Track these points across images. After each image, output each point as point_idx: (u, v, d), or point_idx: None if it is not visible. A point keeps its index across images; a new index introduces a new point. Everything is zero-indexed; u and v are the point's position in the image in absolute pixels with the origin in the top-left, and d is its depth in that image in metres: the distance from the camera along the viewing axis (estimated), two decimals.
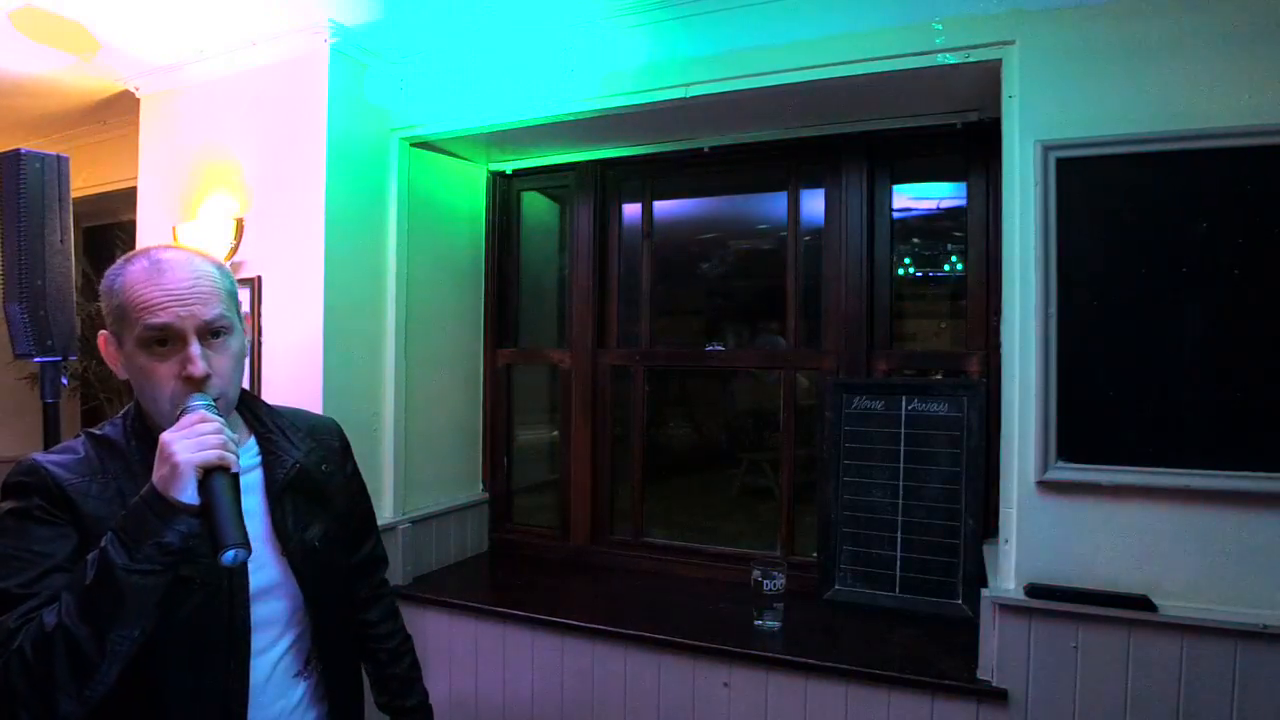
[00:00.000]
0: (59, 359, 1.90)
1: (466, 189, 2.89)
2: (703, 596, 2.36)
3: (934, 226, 2.49)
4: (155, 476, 0.90)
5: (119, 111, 2.99)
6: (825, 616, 2.19)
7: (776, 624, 2.07)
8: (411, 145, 2.59)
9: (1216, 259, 1.59)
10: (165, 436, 0.92)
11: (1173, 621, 1.57)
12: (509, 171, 2.92)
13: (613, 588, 2.51)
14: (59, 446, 1.07)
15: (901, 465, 2.24)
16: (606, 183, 2.80)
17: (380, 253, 2.54)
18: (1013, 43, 1.76)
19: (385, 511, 2.49)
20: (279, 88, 2.45)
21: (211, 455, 0.90)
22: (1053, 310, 1.70)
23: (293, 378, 2.39)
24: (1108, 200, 1.67)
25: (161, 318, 0.97)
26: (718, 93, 2.09)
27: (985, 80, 1.86)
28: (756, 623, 2.08)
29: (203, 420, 0.93)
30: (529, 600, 2.33)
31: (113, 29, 2.36)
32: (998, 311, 2.00)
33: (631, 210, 2.80)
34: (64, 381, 1.94)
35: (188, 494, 0.89)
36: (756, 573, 2.09)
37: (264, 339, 2.44)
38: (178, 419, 0.95)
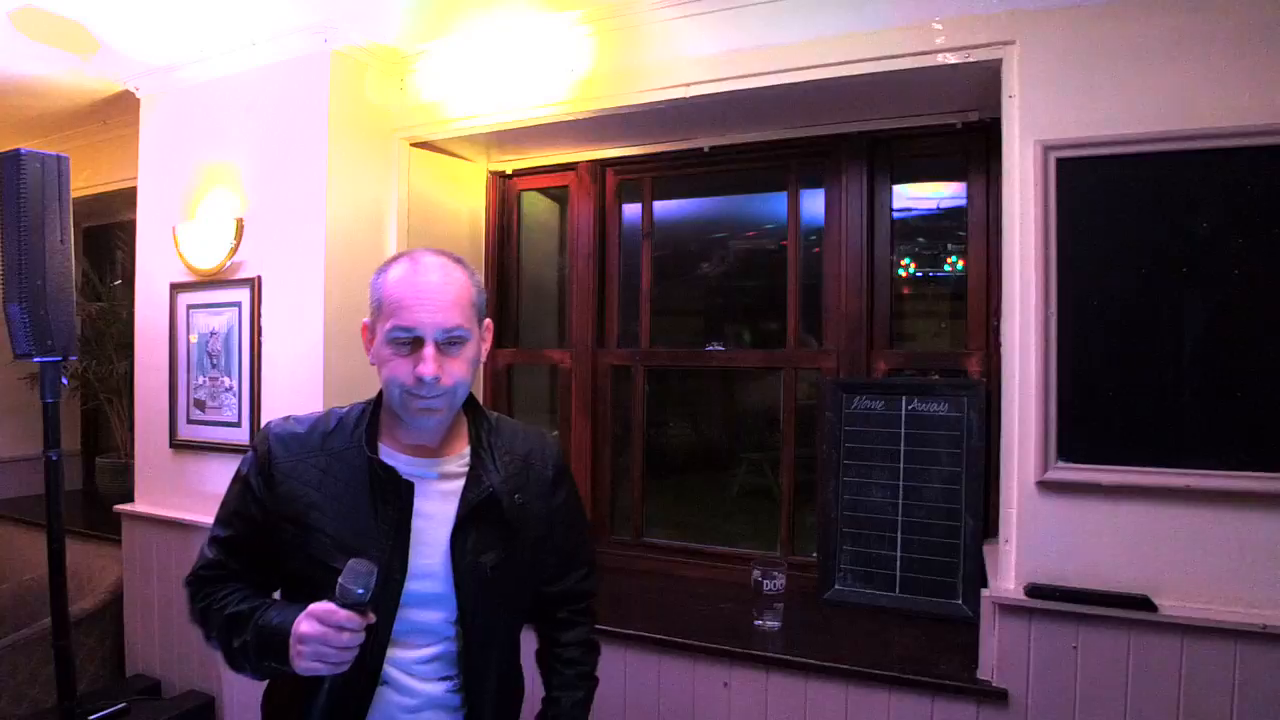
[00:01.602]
0: (59, 359, 1.90)
1: (466, 189, 2.89)
2: (703, 596, 2.36)
3: (934, 226, 2.49)
4: (289, 642, 1.01)
5: (119, 111, 2.99)
6: (825, 616, 2.19)
7: (776, 624, 2.07)
8: (411, 145, 2.59)
9: (1216, 259, 1.59)
10: (302, 629, 1.00)
11: (1173, 621, 1.57)
12: (509, 171, 2.92)
13: (613, 588, 2.51)
14: (306, 416, 1.21)
15: (901, 465, 2.24)
16: (606, 183, 2.80)
17: (380, 253, 2.54)
18: (1013, 43, 1.76)
19: None
20: (279, 88, 2.45)
21: (329, 671, 1.00)
22: (1053, 310, 1.70)
23: (293, 378, 2.39)
24: (1108, 200, 1.67)
25: (407, 320, 1.07)
26: (718, 93, 2.09)
27: (985, 80, 1.86)
28: (756, 623, 2.08)
29: (340, 630, 0.98)
30: None
31: (112, 29, 2.36)
32: (998, 311, 2.00)
33: (631, 210, 2.80)
34: (64, 381, 1.94)
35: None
36: (756, 573, 2.09)
37: (264, 339, 2.45)
38: (336, 590, 1.00)
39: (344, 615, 0.98)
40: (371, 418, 1.18)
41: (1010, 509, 1.75)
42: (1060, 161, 1.70)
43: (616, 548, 2.73)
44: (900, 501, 2.23)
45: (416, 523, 1.13)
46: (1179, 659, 1.57)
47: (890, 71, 1.90)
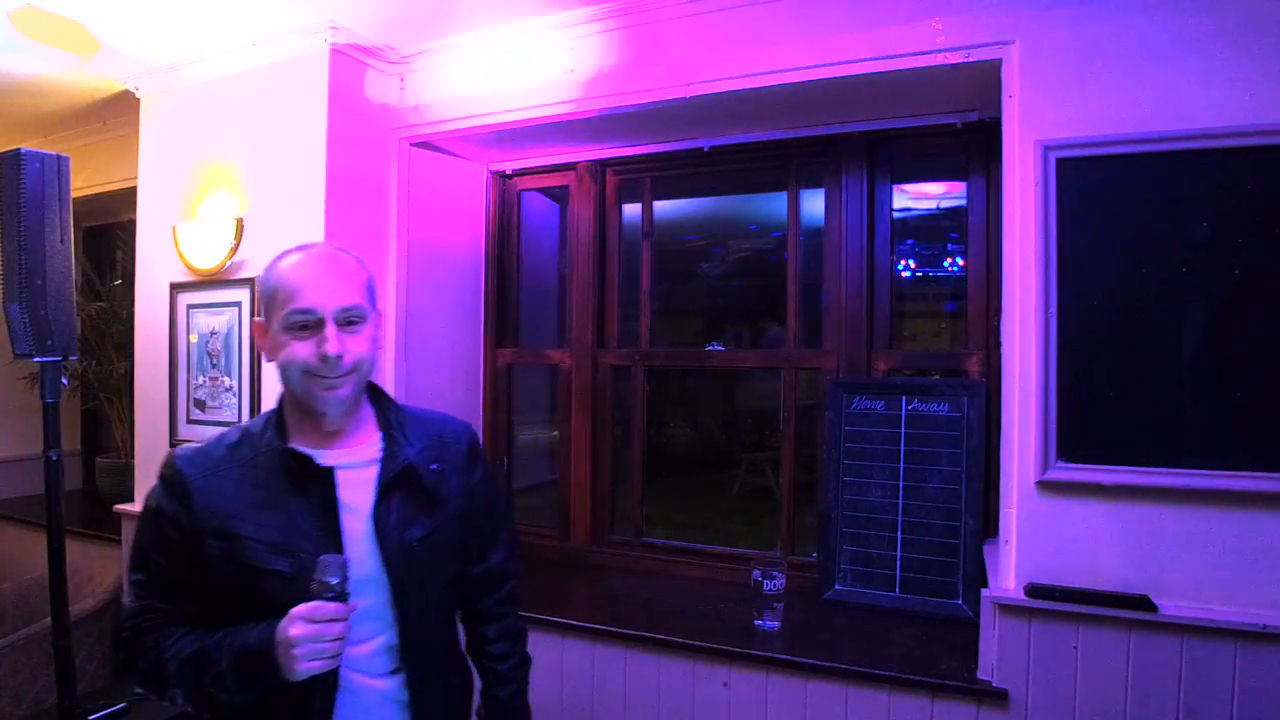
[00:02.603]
0: (59, 359, 1.90)
1: (466, 189, 2.89)
2: (703, 596, 2.36)
3: (934, 226, 2.49)
4: (277, 650, 1.01)
5: (119, 111, 2.99)
6: (825, 616, 2.19)
7: (776, 624, 2.07)
8: (411, 145, 2.59)
9: (1216, 259, 1.59)
10: (293, 632, 1.00)
11: (1173, 621, 1.57)
12: (509, 171, 2.92)
13: (613, 588, 2.51)
14: (216, 436, 1.19)
15: (901, 465, 2.24)
16: (606, 183, 2.80)
17: (380, 253, 2.54)
18: (1013, 42, 1.76)
19: None
20: (279, 88, 2.45)
21: (327, 665, 1.03)
22: (1053, 310, 1.70)
23: None
24: (1108, 200, 1.67)
25: (305, 301, 1.09)
26: (718, 93, 2.09)
27: (985, 80, 1.86)
28: (756, 623, 2.08)
29: (331, 623, 1.01)
30: (529, 600, 2.31)
31: (113, 29, 2.36)
32: (998, 311, 2.00)
33: (631, 210, 2.80)
34: (64, 381, 1.94)
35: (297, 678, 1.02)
36: (756, 573, 2.09)
37: None
38: (313, 587, 1.02)
39: (332, 608, 1.01)
40: (278, 419, 1.18)
41: (1010, 509, 1.75)
42: (1060, 161, 1.70)
43: (616, 548, 2.73)
44: (900, 501, 2.23)
45: (341, 512, 1.13)
46: (1179, 659, 1.57)
47: (890, 71, 1.90)
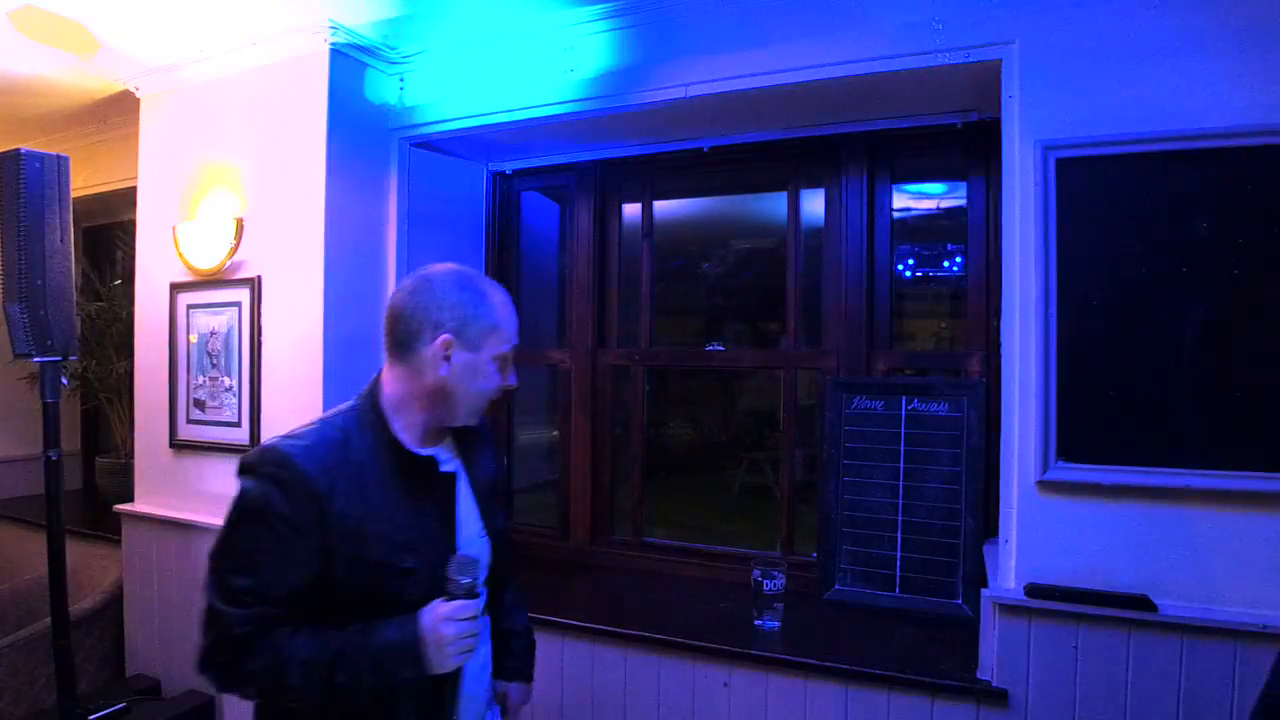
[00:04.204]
0: (59, 359, 1.90)
1: (466, 189, 2.89)
2: (703, 596, 2.36)
3: (934, 226, 2.49)
4: (425, 649, 1.10)
5: (119, 111, 2.99)
6: (825, 616, 2.19)
7: (776, 624, 2.07)
8: (411, 145, 2.59)
9: (1216, 259, 1.59)
10: (445, 631, 1.10)
11: (1173, 621, 1.57)
12: (509, 171, 2.92)
13: (613, 588, 2.51)
14: (303, 434, 1.17)
15: (901, 465, 2.24)
16: (606, 183, 2.80)
17: (380, 253, 2.54)
18: (1013, 42, 1.76)
19: None
20: (279, 88, 2.45)
21: (470, 656, 1.16)
22: (1053, 310, 1.70)
23: (292, 377, 2.39)
24: (1108, 200, 1.67)
25: (513, 339, 1.26)
26: (718, 93, 2.09)
27: (985, 80, 1.86)
28: (756, 623, 2.08)
29: (473, 618, 1.14)
30: (529, 600, 2.32)
31: (113, 29, 2.36)
32: (998, 311, 2.00)
33: (631, 210, 2.80)
34: (64, 381, 1.94)
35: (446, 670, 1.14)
36: (756, 573, 2.09)
37: (264, 339, 2.45)
38: (450, 586, 1.13)
39: (473, 606, 1.13)
40: (376, 418, 1.22)
41: (1010, 509, 1.75)
42: (1060, 161, 1.70)
43: (616, 548, 2.73)
44: (900, 501, 2.23)
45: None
46: (1179, 659, 1.57)
47: (890, 71, 1.90)
